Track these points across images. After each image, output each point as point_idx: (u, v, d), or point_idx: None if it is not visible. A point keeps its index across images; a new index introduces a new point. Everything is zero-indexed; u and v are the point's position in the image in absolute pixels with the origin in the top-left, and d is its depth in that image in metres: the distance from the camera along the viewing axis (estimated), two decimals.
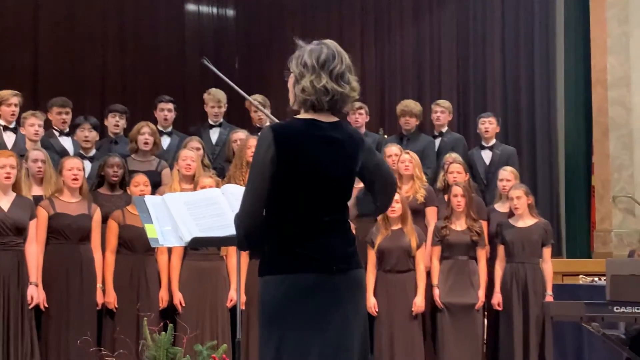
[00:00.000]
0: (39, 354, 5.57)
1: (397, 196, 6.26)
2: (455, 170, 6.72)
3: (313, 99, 2.84)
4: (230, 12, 12.30)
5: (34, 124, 6.42)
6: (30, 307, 5.57)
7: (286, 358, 2.74)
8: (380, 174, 2.96)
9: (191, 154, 6.36)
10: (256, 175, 2.80)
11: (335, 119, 2.90)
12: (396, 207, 6.23)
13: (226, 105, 7.39)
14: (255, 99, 7.16)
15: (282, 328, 2.76)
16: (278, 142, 2.77)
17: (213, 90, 7.46)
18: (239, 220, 2.83)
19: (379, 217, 6.33)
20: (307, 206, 2.81)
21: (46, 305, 5.64)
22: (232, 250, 5.94)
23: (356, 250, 2.93)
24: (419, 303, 6.26)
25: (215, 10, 12.09)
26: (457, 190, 6.43)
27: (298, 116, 2.90)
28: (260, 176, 2.79)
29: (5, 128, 6.49)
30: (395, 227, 6.29)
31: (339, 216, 2.88)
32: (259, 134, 2.88)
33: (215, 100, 7.34)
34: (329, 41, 2.93)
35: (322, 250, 2.80)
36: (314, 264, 2.78)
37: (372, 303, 6.20)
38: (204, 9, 12.05)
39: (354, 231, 3.17)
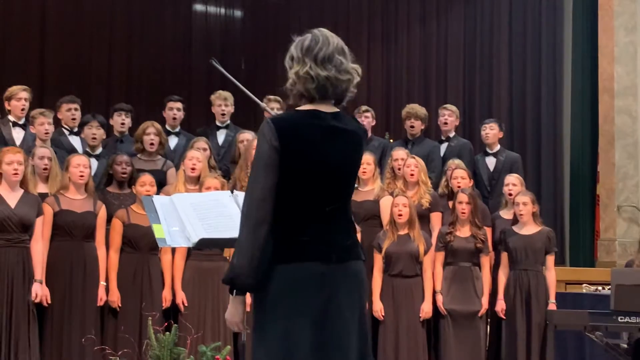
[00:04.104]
0: (38, 353, 5.55)
1: (405, 201, 6.27)
2: (459, 175, 6.70)
3: (301, 89, 2.80)
4: (238, 13, 12.30)
5: (43, 123, 6.41)
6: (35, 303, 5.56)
7: (292, 348, 2.70)
8: None
9: (198, 154, 6.35)
10: (262, 167, 2.74)
11: (336, 109, 2.85)
12: (404, 212, 6.23)
13: (233, 105, 7.40)
14: (270, 100, 7.18)
15: (287, 318, 2.72)
16: (280, 133, 2.73)
17: (220, 91, 7.48)
18: (248, 214, 2.74)
19: (386, 222, 6.33)
20: (309, 196, 2.77)
21: (49, 302, 5.62)
22: None
23: (357, 242, 2.90)
24: (426, 309, 6.25)
25: (222, 10, 12.09)
26: (462, 197, 6.42)
27: (297, 108, 2.84)
28: (266, 167, 2.74)
29: (15, 124, 6.50)
30: (402, 232, 6.28)
31: (340, 206, 2.84)
32: (259, 129, 2.83)
33: (222, 99, 7.35)
34: (317, 29, 2.86)
35: (322, 239, 2.77)
36: (313, 253, 2.75)
37: (378, 308, 6.20)
38: (212, 9, 12.05)
39: (358, 233, 3.20)
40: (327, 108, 2.83)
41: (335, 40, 2.83)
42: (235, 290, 2.79)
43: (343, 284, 2.78)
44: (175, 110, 7.30)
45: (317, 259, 2.75)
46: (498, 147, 7.55)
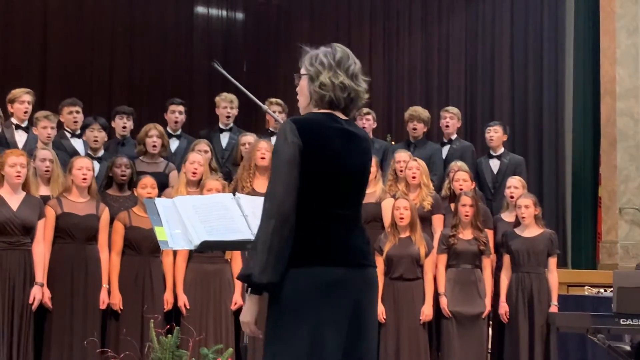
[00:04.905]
0: (32, 356, 5.54)
1: (406, 203, 6.26)
2: (461, 178, 6.71)
3: (331, 95, 2.85)
4: (240, 16, 12.31)
5: (46, 127, 6.42)
6: (33, 307, 5.54)
7: (320, 351, 2.70)
8: None
9: (199, 158, 6.35)
10: (284, 164, 2.74)
11: (346, 117, 2.93)
12: (405, 215, 6.22)
13: (237, 107, 7.40)
14: (272, 103, 7.19)
15: (314, 322, 2.71)
16: (302, 132, 2.76)
17: (225, 93, 7.48)
18: (270, 211, 2.71)
19: (387, 225, 6.33)
20: (329, 198, 2.78)
21: (49, 305, 5.61)
22: (236, 253, 5.94)
23: (371, 248, 2.95)
24: (427, 312, 6.24)
25: (224, 13, 12.10)
26: (465, 200, 6.41)
27: (315, 111, 2.89)
28: (289, 164, 2.73)
29: (17, 127, 6.50)
30: (403, 235, 6.27)
31: (356, 211, 2.88)
32: (278, 128, 2.85)
33: (227, 101, 7.36)
34: (339, 45, 2.96)
35: (343, 244, 2.79)
36: (336, 256, 2.76)
37: (379, 310, 6.18)
38: (214, 11, 12.06)
39: None
40: (340, 115, 2.90)
41: (357, 60, 2.95)
42: (249, 289, 2.75)
43: (363, 290, 2.82)
44: (177, 113, 7.31)
45: (341, 263, 2.77)
46: (502, 149, 7.56)
